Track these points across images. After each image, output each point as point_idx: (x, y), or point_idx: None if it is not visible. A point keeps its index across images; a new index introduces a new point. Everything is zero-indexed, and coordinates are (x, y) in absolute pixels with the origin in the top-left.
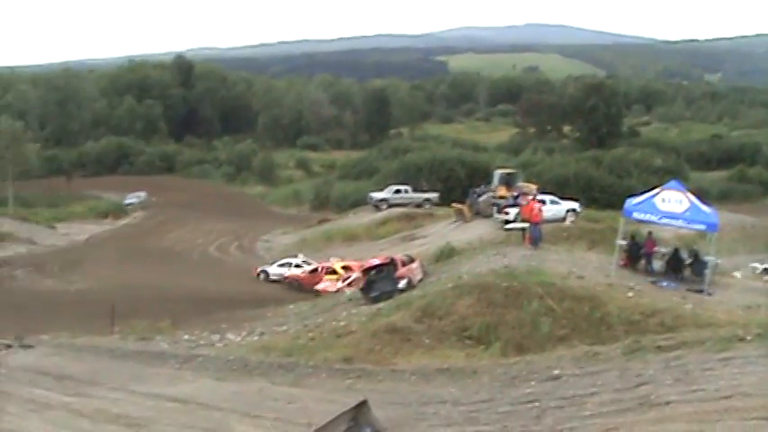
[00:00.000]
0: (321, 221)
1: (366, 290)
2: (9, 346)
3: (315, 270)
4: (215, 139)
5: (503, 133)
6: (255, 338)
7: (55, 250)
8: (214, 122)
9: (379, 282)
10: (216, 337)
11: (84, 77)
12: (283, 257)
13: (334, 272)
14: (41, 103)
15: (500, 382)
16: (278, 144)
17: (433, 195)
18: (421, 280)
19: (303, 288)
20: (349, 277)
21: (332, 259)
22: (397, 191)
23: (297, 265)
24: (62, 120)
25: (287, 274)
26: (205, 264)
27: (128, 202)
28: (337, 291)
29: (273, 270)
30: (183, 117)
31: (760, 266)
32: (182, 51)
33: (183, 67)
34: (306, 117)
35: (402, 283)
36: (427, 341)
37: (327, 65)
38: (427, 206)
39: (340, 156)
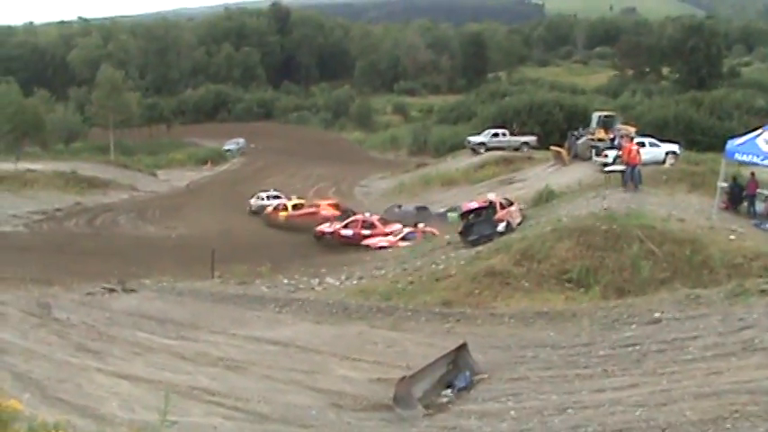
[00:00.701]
0: (419, 166)
1: (465, 233)
2: (113, 290)
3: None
4: (312, 85)
5: (601, 76)
6: (354, 282)
7: (156, 196)
8: (311, 69)
9: (477, 225)
10: (315, 281)
11: (182, 26)
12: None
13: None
14: (141, 53)
15: (600, 325)
16: (375, 89)
17: (531, 139)
18: (520, 223)
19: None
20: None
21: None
22: (495, 134)
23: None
24: (161, 68)
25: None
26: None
27: (226, 148)
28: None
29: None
30: (281, 64)
31: None
32: None
33: (280, 15)
34: (403, 62)
35: (501, 227)
36: (526, 285)
37: (424, 10)
38: (525, 149)
39: (437, 100)
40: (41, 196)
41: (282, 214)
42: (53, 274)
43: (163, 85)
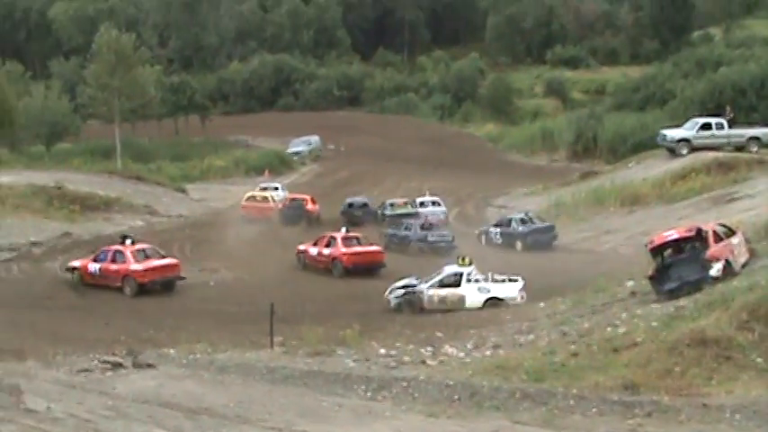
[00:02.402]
0: (585, 175)
1: (658, 279)
2: (119, 366)
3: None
4: (421, 54)
5: None
6: (487, 354)
7: (185, 223)
8: (419, 29)
9: (677, 267)
10: (428, 350)
11: None
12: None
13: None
14: (162, 6)
15: None
16: (517, 60)
17: (765, 131)
18: (746, 264)
19: None
20: None
21: None
22: (706, 126)
23: None
24: (192, 30)
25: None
26: None
27: (293, 150)
28: None
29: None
30: (373, 22)
31: None
32: None
33: None
34: (559, 17)
35: (715, 269)
36: (759, 360)
37: None
38: (754, 149)
39: (613, 74)
40: (10, 224)
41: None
42: (26, 340)
43: (194, 56)
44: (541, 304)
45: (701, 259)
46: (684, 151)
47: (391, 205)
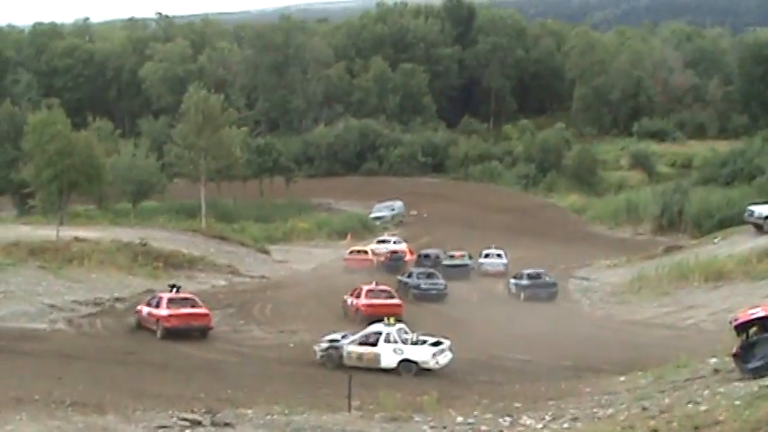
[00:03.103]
0: (669, 249)
1: (743, 356)
2: (198, 424)
3: None
4: (507, 122)
5: None
6: (565, 426)
7: (267, 285)
8: (505, 97)
9: (763, 345)
10: (505, 420)
11: (310, 30)
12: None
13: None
14: (250, 68)
15: None
16: (603, 131)
17: None
18: None
19: None
20: None
21: None
22: None
23: None
24: (279, 93)
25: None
26: (490, 309)
27: (376, 215)
28: None
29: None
30: (460, 90)
31: None
32: None
33: (460, 15)
34: (646, 89)
35: None
36: None
37: (679, 6)
38: None
39: (700, 148)
40: (94, 279)
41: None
42: (106, 395)
43: (281, 118)
44: (621, 378)
45: None
46: None
47: (451, 256)
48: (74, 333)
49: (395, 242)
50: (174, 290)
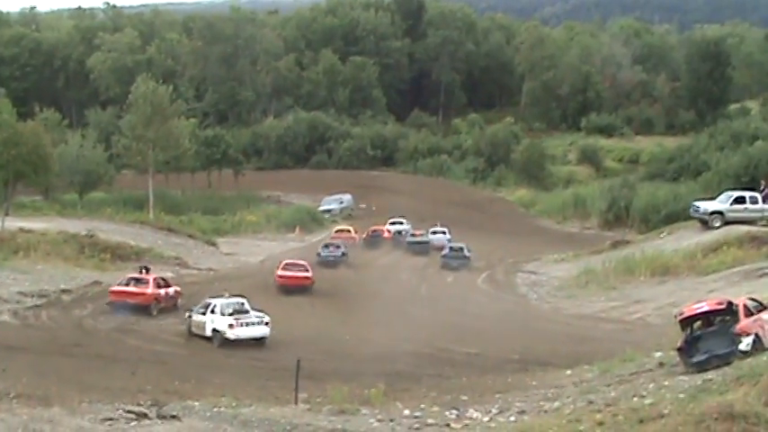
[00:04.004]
0: (617, 244)
1: (687, 350)
2: (143, 416)
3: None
4: (456, 117)
5: None
6: (512, 419)
7: (215, 277)
8: (454, 91)
9: (707, 339)
10: (452, 413)
11: (261, 22)
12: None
13: None
14: (199, 60)
15: None
16: (552, 125)
17: None
18: None
19: None
20: None
21: None
22: (740, 199)
23: None
24: (228, 85)
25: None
26: (438, 303)
27: (325, 208)
28: None
29: None
30: (409, 83)
31: None
32: None
33: (410, 8)
34: (595, 84)
35: (745, 343)
36: None
37: (628, 2)
38: None
39: (648, 144)
40: (40, 270)
41: None
42: (52, 387)
43: (230, 110)
44: (568, 372)
45: (730, 333)
46: (717, 224)
47: (412, 234)
48: (19, 325)
49: (401, 223)
50: (145, 271)
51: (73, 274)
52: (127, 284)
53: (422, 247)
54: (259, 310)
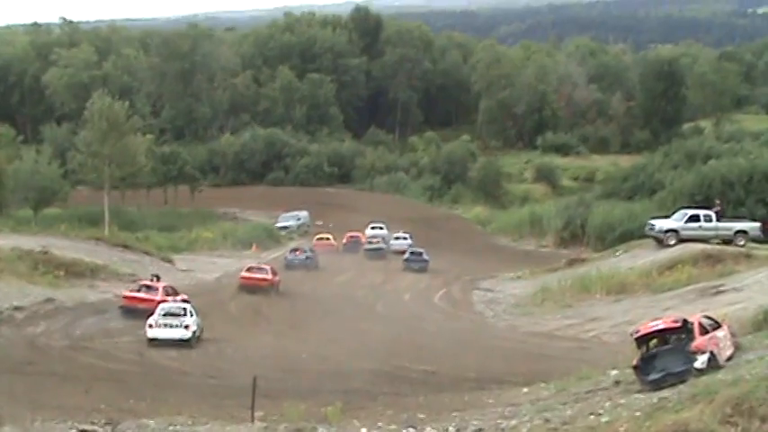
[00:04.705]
0: (572, 262)
1: (643, 369)
2: None
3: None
4: (413, 134)
5: None
6: None
7: None
8: (411, 109)
9: (662, 357)
10: (409, 431)
11: (218, 39)
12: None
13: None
14: (156, 76)
15: None
16: (507, 144)
17: (751, 226)
18: (731, 357)
19: None
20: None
21: None
22: (694, 218)
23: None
24: (185, 101)
25: None
26: (395, 320)
27: (281, 225)
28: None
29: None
30: (367, 100)
31: None
32: (365, 1)
33: (367, 25)
34: (551, 103)
35: (700, 361)
36: None
37: (585, 24)
38: (741, 242)
39: (603, 163)
40: None
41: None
42: (4, 406)
43: (187, 127)
44: (525, 389)
45: (685, 351)
46: (672, 242)
47: (369, 242)
48: None
49: (380, 228)
50: (156, 279)
51: (26, 291)
52: (138, 290)
53: (377, 254)
54: None
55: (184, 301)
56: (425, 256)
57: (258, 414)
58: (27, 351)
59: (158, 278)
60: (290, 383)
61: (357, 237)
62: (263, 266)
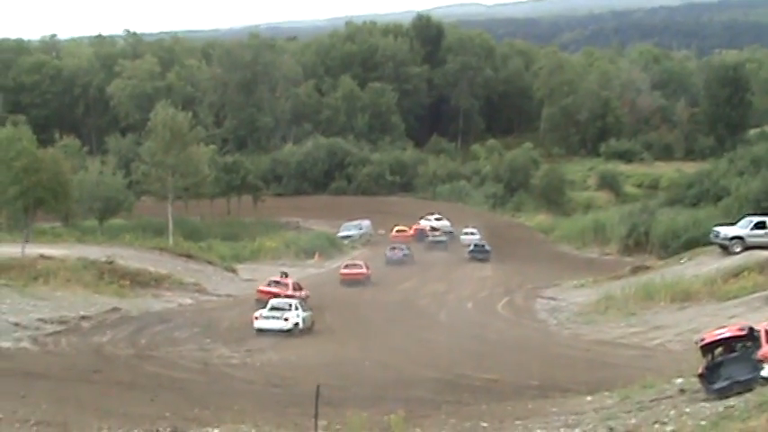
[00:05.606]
0: (636, 270)
1: (708, 377)
2: None
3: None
4: (475, 142)
5: None
6: None
7: (234, 303)
8: (473, 117)
9: (728, 365)
10: None
11: (280, 49)
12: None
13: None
14: (218, 86)
15: None
16: (570, 151)
17: None
18: None
19: None
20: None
21: None
22: (760, 224)
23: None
24: (248, 110)
25: None
26: (458, 328)
27: (343, 234)
28: None
29: None
30: (428, 108)
31: None
32: (426, 10)
33: (429, 33)
34: (614, 110)
35: (767, 369)
36: None
37: (647, 28)
38: None
39: (667, 170)
40: (60, 297)
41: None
42: (72, 414)
43: (249, 136)
44: (588, 398)
45: (752, 359)
46: (737, 249)
47: (432, 234)
48: (38, 351)
49: (440, 218)
50: (284, 276)
51: (92, 300)
52: (269, 285)
53: (441, 246)
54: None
55: (306, 296)
56: (487, 248)
57: (321, 423)
58: (93, 360)
59: (286, 275)
60: (353, 391)
61: (423, 228)
62: (358, 262)
